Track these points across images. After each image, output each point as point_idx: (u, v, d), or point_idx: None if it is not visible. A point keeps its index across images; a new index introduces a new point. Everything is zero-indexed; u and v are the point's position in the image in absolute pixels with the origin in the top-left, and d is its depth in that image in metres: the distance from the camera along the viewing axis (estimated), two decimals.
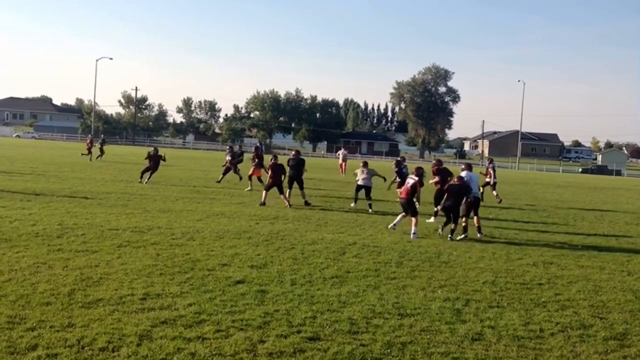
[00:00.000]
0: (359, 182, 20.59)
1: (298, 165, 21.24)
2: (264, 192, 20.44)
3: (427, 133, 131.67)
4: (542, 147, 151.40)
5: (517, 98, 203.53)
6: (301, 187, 20.97)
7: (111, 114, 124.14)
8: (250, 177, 25.48)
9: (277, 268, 10.52)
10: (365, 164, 21.08)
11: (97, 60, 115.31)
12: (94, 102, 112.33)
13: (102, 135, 43.94)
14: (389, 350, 6.78)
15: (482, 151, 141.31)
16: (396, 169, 21.84)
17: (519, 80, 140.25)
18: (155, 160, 26.73)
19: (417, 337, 7.29)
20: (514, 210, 23.46)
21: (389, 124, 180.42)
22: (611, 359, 6.99)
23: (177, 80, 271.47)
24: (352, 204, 20.65)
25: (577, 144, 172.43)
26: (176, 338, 6.78)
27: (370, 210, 19.65)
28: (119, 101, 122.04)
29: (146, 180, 25.96)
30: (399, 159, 23.22)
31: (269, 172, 20.32)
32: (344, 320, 7.74)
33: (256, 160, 25.55)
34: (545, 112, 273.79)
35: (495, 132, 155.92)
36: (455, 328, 7.72)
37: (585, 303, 9.34)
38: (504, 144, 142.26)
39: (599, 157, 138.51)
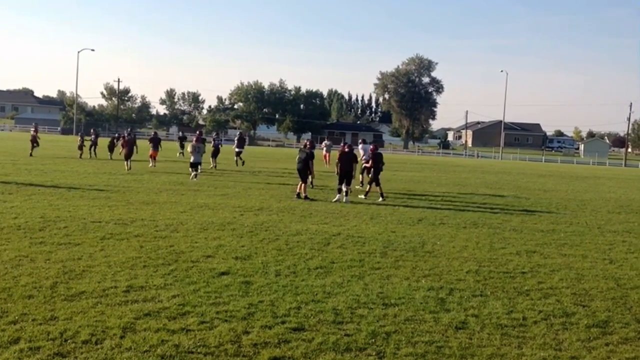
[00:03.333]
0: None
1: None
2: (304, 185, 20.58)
3: (410, 124, 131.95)
4: (525, 137, 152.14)
5: (500, 88, 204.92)
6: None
7: (93, 106, 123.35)
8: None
9: (261, 259, 10.50)
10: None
11: (78, 52, 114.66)
12: (76, 94, 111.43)
13: (93, 130, 41.94)
14: (373, 340, 6.79)
15: (466, 141, 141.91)
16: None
17: (501, 71, 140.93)
18: (129, 145, 28.68)
19: (401, 327, 7.31)
20: (497, 199, 23.57)
21: (373, 114, 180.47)
22: (594, 346, 7.05)
23: (160, 72, 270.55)
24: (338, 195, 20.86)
25: (559, 133, 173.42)
26: (160, 330, 6.74)
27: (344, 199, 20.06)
28: (102, 93, 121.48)
29: (129, 168, 27.96)
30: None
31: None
32: (329, 311, 7.74)
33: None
34: (528, 102, 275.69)
35: (478, 123, 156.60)
36: (439, 317, 7.76)
37: (567, 291, 9.41)
38: (488, 134, 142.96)
39: (582, 147, 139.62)
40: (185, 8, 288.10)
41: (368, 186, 21.71)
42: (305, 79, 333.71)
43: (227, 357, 6.17)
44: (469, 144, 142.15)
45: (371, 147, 22.75)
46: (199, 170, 25.99)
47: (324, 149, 42.55)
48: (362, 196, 21.16)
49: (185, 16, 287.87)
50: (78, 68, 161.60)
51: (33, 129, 38.69)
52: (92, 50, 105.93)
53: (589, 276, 10.57)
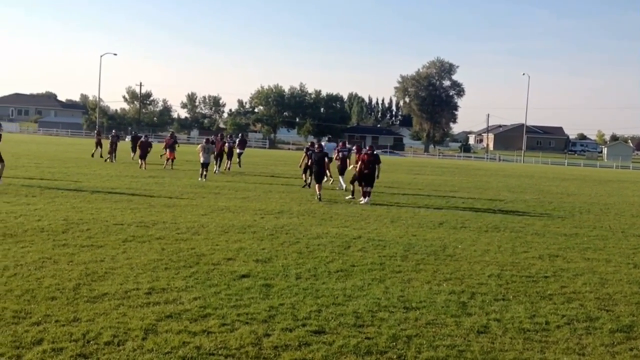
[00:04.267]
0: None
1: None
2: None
3: (431, 127, 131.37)
4: (547, 140, 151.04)
5: (522, 91, 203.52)
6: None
7: (115, 110, 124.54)
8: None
9: (281, 262, 10.51)
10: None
11: (101, 56, 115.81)
12: (99, 97, 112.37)
13: (114, 131, 42.04)
14: (394, 344, 6.77)
15: (487, 145, 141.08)
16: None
17: (523, 74, 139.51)
18: (143, 147, 31.24)
19: (422, 330, 7.27)
20: (519, 203, 23.38)
21: (393, 118, 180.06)
22: (617, 351, 6.97)
23: (182, 76, 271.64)
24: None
25: (582, 137, 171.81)
26: (181, 332, 6.77)
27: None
28: (124, 97, 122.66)
29: (144, 166, 30.43)
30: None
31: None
32: (349, 314, 7.72)
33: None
34: (550, 105, 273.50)
35: (500, 126, 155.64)
36: (461, 321, 7.71)
37: (591, 295, 9.31)
38: (509, 138, 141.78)
39: (605, 150, 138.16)
40: (207, 13, 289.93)
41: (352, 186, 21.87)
42: (325, 83, 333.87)
43: (248, 359, 6.18)
44: (491, 147, 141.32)
45: (354, 147, 24.19)
46: (216, 171, 27.69)
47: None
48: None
49: (206, 20, 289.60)
50: (100, 72, 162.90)
51: (97, 133, 42.56)
52: (115, 54, 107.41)
53: (613, 280, 10.45)
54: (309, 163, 23.48)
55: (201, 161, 26.45)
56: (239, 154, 35.88)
